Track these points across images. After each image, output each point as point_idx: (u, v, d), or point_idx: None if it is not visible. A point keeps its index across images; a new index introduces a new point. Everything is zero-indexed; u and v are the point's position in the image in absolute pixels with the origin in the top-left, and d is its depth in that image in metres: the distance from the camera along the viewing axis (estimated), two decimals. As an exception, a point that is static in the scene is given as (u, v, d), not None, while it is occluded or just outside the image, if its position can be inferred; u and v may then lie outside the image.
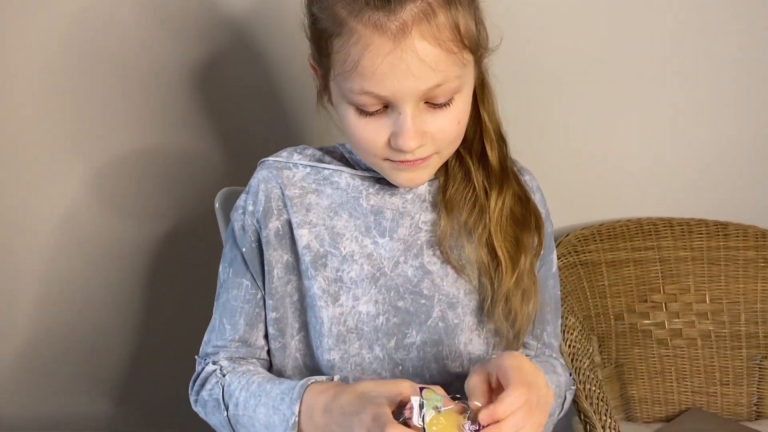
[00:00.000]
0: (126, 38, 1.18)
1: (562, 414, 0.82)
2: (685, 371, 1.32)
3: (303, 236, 0.77)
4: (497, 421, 0.60)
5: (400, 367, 0.77)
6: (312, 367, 0.80)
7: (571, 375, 0.85)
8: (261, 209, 0.79)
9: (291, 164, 0.81)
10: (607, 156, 1.32)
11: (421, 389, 0.62)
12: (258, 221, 0.79)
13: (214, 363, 0.80)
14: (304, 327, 0.79)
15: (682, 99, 1.29)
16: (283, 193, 0.79)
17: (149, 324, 1.37)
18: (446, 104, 0.70)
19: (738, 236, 1.32)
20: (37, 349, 1.36)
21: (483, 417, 0.60)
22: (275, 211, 0.79)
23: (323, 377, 0.72)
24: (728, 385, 1.31)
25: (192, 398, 0.81)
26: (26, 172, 1.26)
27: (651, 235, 1.32)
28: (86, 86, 1.21)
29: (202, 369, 0.81)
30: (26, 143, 1.24)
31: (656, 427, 1.27)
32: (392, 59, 0.64)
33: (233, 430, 0.76)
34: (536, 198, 0.82)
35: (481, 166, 0.78)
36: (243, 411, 0.74)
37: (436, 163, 0.75)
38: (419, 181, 0.76)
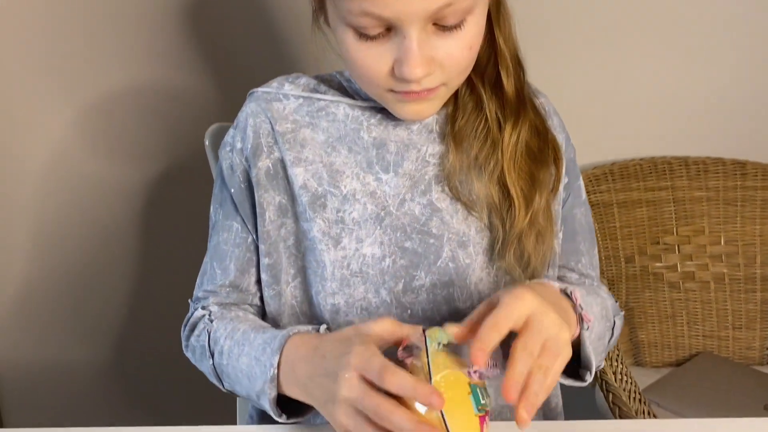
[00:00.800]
0: None
1: (613, 340, 0.75)
2: (697, 315, 1.29)
3: (298, 175, 0.71)
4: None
5: (409, 311, 0.72)
6: (310, 314, 0.75)
7: (617, 302, 0.78)
8: (249, 146, 0.73)
9: (281, 95, 0.74)
10: (620, 92, 1.27)
11: (424, 330, 0.56)
12: (247, 159, 0.73)
13: (203, 308, 0.76)
14: (301, 272, 0.74)
15: (698, 34, 1.24)
16: (273, 129, 0.73)
17: (143, 265, 1.34)
18: (456, 26, 0.62)
19: (756, 175, 1.27)
20: (31, 294, 1.34)
21: (474, 350, 0.52)
22: (265, 149, 0.73)
23: (308, 327, 0.66)
24: (740, 328, 1.28)
25: (183, 343, 0.77)
26: (16, 110, 1.21)
27: (665, 174, 1.27)
28: (74, 22, 1.16)
29: (192, 314, 0.77)
30: (15, 81, 1.19)
31: (666, 372, 1.25)
32: None
33: (219, 379, 0.72)
34: (554, 123, 0.76)
35: (494, 96, 0.71)
36: (227, 360, 0.69)
37: (444, 94, 0.68)
38: (426, 114, 0.70)
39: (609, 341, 0.74)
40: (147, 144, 1.24)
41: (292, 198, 0.72)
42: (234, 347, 0.68)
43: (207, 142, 0.93)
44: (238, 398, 0.94)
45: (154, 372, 1.41)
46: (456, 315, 0.72)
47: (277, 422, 0.64)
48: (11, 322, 1.35)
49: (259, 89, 0.76)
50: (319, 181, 0.71)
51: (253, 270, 0.76)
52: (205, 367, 0.74)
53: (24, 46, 1.17)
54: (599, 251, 1.25)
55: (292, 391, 0.62)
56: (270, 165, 0.72)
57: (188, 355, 0.77)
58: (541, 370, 0.53)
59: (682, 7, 1.21)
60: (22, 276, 1.32)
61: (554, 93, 1.07)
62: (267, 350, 0.64)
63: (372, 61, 0.63)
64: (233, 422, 0.95)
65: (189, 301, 0.80)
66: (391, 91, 0.66)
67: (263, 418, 0.76)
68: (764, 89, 1.28)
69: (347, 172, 0.72)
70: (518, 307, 0.55)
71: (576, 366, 0.66)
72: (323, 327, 0.66)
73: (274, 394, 0.62)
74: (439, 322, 0.71)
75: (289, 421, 0.63)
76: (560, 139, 0.75)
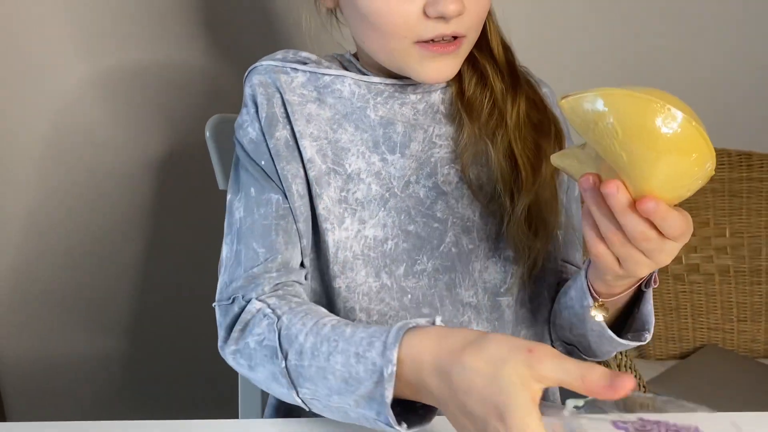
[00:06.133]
0: None
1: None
2: (702, 307, 1.28)
3: (306, 148, 0.69)
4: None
5: (409, 296, 0.70)
6: (321, 292, 0.72)
7: None
8: (264, 116, 0.70)
9: (288, 68, 0.72)
10: (625, 81, 1.26)
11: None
12: (263, 130, 0.70)
13: (259, 300, 0.64)
14: (315, 247, 0.71)
15: (704, 25, 1.23)
16: (283, 99, 0.70)
17: (144, 255, 1.33)
18: None
19: (762, 166, 1.26)
20: (30, 281, 1.33)
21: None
22: (280, 119, 0.70)
23: (423, 320, 0.54)
24: (745, 321, 1.28)
25: (229, 349, 0.63)
26: (14, 89, 1.20)
27: (670, 166, 1.26)
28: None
29: (241, 310, 0.64)
30: (16, 54, 1.18)
31: (671, 364, 1.24)
32: None
33: (292, 383, 0.58)
34: (558, 112, 0.75)
35: (496, 69, 0.72)
36: (310, 360, 0.57)
37: (464, 51, 0.68)
38: (448, 72, 0.67)
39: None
40: (147, 133, 1.23)
41: (305, 171, 0.70)
42: (321, 345, 0.57)
43: (207, 133, 0.92)
44: (240, 391, 0.93)
45: (157, 365, 1.40)
46: (457, 302, 0.71)
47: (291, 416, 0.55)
48: (11, 315, 1.35)
49: (263, 62, 0.73)
50: (323, 158, 0.70)
51: (299, 247, 0.69)
52: (265, 372, 0.61)
53: (37, 26, 1.16)
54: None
55: (412, 393, 0.52)
56: (288, 135, 0.69)
57: (235, 360, 0.64)
58: None
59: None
60: (21, 260, 1.31)
61: (559, 85, 1.06)
62: (376, 344, 0.53)
63: (402, 4, 0.62)
64: (235, 416, 0.95)
65: (214, 306, 0.67)
66: (418, 43, 0.64)
67: (291, 411, 0.69)
68: (770, 80, 1.27)
69: (353, 150, 0.70)
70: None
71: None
72: (438, 319, 0.54)
73: (390, 395, 0.51)
74: (440, 308, 0.71)
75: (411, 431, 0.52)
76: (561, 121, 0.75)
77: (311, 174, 0.69)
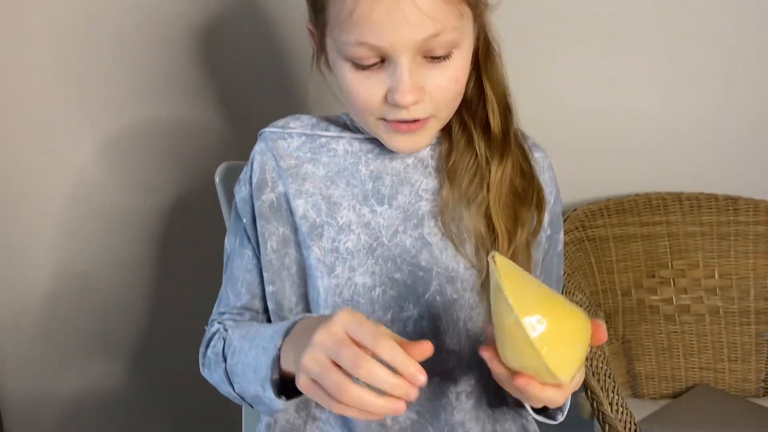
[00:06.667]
0: (134, 7, 1.17)
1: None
2: (693, 347, 1.31)
3: (299, 206, 0.76)
4: None
5: None
6: None
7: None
8: (255, 181, 0.78)
9: (286, 134, 0.79)
10: (615, 131, 1.31)
11: None
12: (252, 193, 0.78)
13: (219, 323, 0.80)
14: (303, 299, 0.77)
15: (690, 71, 1.27)
16: (277, 165, 0.77)
17: (155, 297, 1.37)
18: (444, 58, 0.67)
19: (748, 211, 1.30)
20: (47, 323, 1.36)
21: None
22: (269, 183, 0.77)
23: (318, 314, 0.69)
24: (736, 361, 1.30)
25: (200, 361, 0.80)
26: (36, 140, 1.25)
27: (659, 209, 1.31)
28: (92, 55, 1.21)
29: (207, 333, 0.81)
30: (36, 110, 1.24)
31: (663, 404, 1.27)
32: (388, 6, 0.62)
33: (229, 381, 0.73)
34: (546, 177, 0.80)
35: (483, 134, 0.75)
36: (238, 358, 0.70)
37: (434, 126, 0.72)
38: (418, 146, 0.74)
39: None
40: (160, 179, 1.28)
41: (295, 228, 0.77)
42: (245, 344, 0.70)
43: (217, 180, 0.97)
44: (243, 412, 0.96)
45: (165, 395, 1.43)
46: (442, 349, 0.74)
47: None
48: (32, 351, 1.38)
49: (267, 129, 0.80)
50: (317, 212, 0.75)
51: (262, 296, 0.80)
52: (218, 377, 0.75)
53: (46, 76, 1.21)
54: (596, 284, 1.29)
55: (289, 366, 0.63)
56: (273, 198, 0.77)
57: (205, 373, 0.79)
58: None
59: (674, 48, 1.25)
60: (35, 307, 1.35)
61: (553, 133, 1.11)
62: (274, 337, 0.65)
63: (367, 89, 0.68)
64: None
65: (205, 327, 0.83)
66: (383, 120, 0.70)
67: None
68: (755, 128, 1.31)
69: (344, 204, 0.76)
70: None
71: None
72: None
73: (276, 376, 0.64)
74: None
75: (289, 402, 0.65)
76: (548, 192, 0.78)
77: (304, 228, 0.75)
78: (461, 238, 0.75)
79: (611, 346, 1.28)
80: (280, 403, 0.65)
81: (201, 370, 0.80)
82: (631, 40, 1.24)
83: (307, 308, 0.77)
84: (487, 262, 0.59)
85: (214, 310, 0.83)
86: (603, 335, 0.59)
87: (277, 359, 0.64)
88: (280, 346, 0.64)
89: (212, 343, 0.77)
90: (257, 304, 0.80)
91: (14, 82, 1.21)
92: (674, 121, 1.30)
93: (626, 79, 1.27)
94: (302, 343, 0.59)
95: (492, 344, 0.61)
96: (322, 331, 0.57)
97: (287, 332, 0.65)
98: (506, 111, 0.76)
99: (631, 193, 1.33)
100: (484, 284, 0.74)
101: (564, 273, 1.17)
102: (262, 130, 0.81)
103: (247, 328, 0.73)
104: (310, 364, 0.57)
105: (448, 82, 0.69)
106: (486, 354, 0.62)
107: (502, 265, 0.58)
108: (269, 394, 0.64)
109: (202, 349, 0.80)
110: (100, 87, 1.22)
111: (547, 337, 0.55)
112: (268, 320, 0.80)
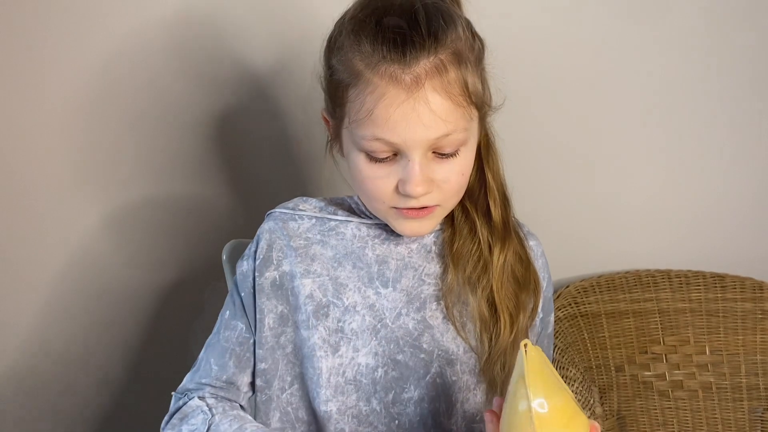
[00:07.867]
0: (147, 85, 1.21)
1: None
2: (688, 423, 1.32)
3: (306, 286, 0.79)
4: None
5: (397, 422, 0.77)
6: (307, 420, 0.80)
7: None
8: (261, 257, 0.80)
9: (297, 216, 0.83)
10: (606, 210, 1.35)
11: None
12: (256, 269, 0.81)
13: (200, 398, 0.79)
14: (298, 379, 0.79)
15: (677, 152, 1.33)
16: (286, 244, 0.80)
17: (151, 373, 1.37)
18: (452, 155, 0.73)
19: (735, 288, 1.33)
20: (38, 391, 1.35)
21: None
22: (274, 261, 0.80)
23: None
24: (731, 437, 1.31)
25: (162, 428, 0.79)
26: (41, 212, 1.26)
27: (649, 286, 1.34)
28: (101, 130, 1.23)
29: (183, 404, 0.79)
30: (41, 183, 1.25)
31: (660, 481, 1.27)
32: (405, 108, 0.68)
33: None
34: (539, 264, 0.84)
35: (485, 222, 0.80)
36: None
37: (439, 214, 0.77)
38: (423, 231, 0.78)
39: None
40: (167, 255, 1.30)
41: (295, 308, 0.79)
42: None
43: (224, 257, 1.00)
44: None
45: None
46: (440, 430, 0.77)
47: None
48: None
49: (277, 210, 0.84)
50: (324, 293, 0.79)
51: (249, 371, 0.81)
52: None
53: (53, 150, 1.23)
54: (590, 360, 1.31)
55: None
56: (276, 276, 0.80)
57: None
58: None
59: (662, 127, 1.30)
60: (27, 378, 1.34)
61: (544, 212, 1.16)
62: None
63: (380, 180, 0.73)
64: None
65: (172, 394, 0.82)
66: (394, 208, 0.75)
67: None
68: (741, 208, 1.36)
69: (350, 285, 0.79)
70: None
71: None
72: None
73: None
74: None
75: None
76: (542, 277, 0.83)
77: (309, 308, 0.78)
78: (462, 321, 0.79)
79: (606, 422, 1.29)
80: None
81: (163, 431, 0.79)
82: (620, 124, 1.30)
83: (302, 389, 0.79)
84: (521, 347, 0.64)
85: (190, 378, 0.82)
86: None
87: None
88: None
89: (192, 421, 0.77)
90: (241, 380, 0.81)
91: (26, 145, 1.21)
92: (663, 202, 1.35)
93: (614, 162, 1.32)
94: None
95: (498, 411, 0.65)
96: None
97: None
98: (504, 200, 0.82)
99: (622, 270, 1.36)
100: (484, 368, 0.78)
101: (557, 348, 1.20)
102: (271, 210, 0.85)
103: (240, 425, 0.74)
104: None
105: (455, 176, 0.74)
106: (489, 416, 0.65)
107: (531, 354, 0.63)
108: None
109: (170, 420, 0.79)
110: (109, 161, 1.24)
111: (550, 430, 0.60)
112: (251, 397, 0.82)
